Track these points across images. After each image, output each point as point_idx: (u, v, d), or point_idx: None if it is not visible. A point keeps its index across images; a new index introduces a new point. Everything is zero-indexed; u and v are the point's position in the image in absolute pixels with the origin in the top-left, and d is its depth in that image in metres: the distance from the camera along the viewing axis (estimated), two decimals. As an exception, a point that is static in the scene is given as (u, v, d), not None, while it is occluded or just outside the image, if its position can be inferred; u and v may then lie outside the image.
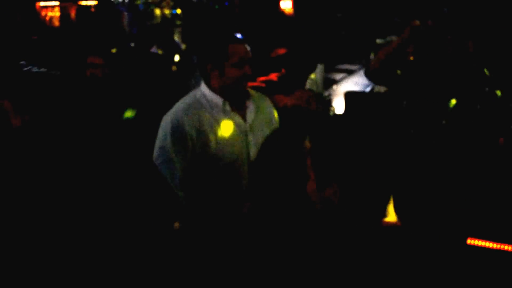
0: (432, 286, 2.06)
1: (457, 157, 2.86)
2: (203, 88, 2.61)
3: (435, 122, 2.91)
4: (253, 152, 2.63)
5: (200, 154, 2.52)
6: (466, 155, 2.87)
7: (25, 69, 1.57)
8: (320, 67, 2.75)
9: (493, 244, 2.66)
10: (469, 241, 2.68)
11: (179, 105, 2.60)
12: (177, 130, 2.53)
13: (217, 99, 2.58)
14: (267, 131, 2.67)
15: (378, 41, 5.58)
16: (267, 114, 2.74)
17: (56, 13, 11.10)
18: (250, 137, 2.63)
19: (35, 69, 1.58)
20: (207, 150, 2.52)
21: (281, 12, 10.17)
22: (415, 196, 2.67)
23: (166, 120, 2.56)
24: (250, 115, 2.66)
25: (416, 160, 2.82)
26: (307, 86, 3.63)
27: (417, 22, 3.08)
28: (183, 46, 6.78)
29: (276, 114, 2.78)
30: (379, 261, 1.39)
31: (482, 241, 2.65)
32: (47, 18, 10.99)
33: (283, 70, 3.63)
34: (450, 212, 2.74)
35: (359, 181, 1.24)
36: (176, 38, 6.84)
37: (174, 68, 5.71)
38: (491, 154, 2.90)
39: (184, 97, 2.64)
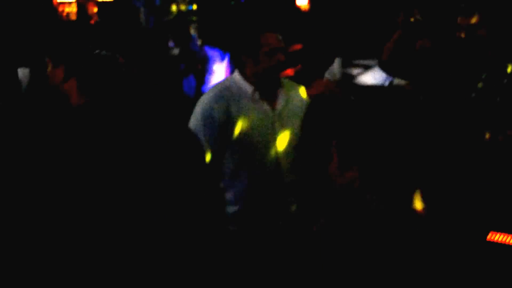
0: (451, 283, 2.03)
1: (477, 150, 2.82)
2: (236, 75, 2.77)
3: (454, 114, 2.87)
4: (279, 140, 2.72)
5: (228, 140, 2.66)
6: (485, 147, 2.83)
7: (95, 52, 1.70)
8: (338, 61, 2.74)
9: (513, 240, 2.62)
10: (489, 236, 2.64)
11: (210, 92, 2.79)
12: (207, 116, 2.70)
13: (247, 87, 2.73)
14: (296, 121, 2.77)
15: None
16: (297, 104, 2.81)
17: (73, 8, 11.15)
18: (278, 126, 2.75)
19: (103, 53, 1.71)
20: (234, 136, 2.68)
21: (297, 8, 10.12)
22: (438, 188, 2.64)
23: (198, 106, 2.78)
24: (279, 104, 2.79)
25: (437, 152, 2.79)
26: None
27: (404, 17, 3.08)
28: (199, 41, 6.78)
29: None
30: (394, 253, 1.37)
31: (503, 236, 2.61)
32: (64, 14, 11.06)
33: (299, 66, 3.63)
34: (470, 206, 2.70)
35: (381, 167, 1.23)
36: (192, 33, 6.85)
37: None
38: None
39: (217, 84, 2.79)
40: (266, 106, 2.75)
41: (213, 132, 2.67)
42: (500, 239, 2.59)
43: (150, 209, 1.68)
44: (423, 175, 2.46)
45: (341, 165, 1.27)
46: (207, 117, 2.68)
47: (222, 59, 6.21)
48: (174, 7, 11.25)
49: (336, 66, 3.92)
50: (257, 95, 2.74)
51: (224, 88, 2.77)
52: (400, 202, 1.39)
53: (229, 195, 2.72)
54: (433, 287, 1.63)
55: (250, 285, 2.83)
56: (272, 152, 2.73)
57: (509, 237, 2.61)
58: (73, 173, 1.63)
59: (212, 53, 6.23)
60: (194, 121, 2.73)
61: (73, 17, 10.69)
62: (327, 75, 3.73)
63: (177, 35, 6.43)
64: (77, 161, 1.63)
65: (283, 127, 2.76)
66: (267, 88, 2.77)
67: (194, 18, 9.32)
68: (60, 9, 10.97)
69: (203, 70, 6.12)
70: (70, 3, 10.86)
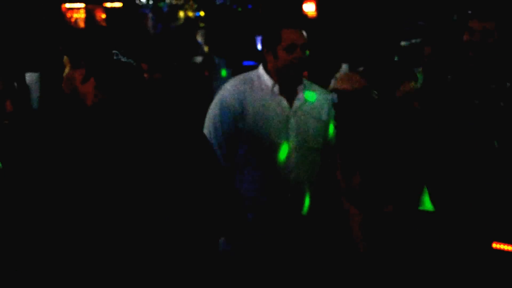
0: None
1: (483, 157, 2.81)
2: (260, 69, 2.83)
3: (461, 121, 2.86)
4: (292, 137, 2.74)
5: (243, 128, 2.69)
6: (491, 155, 2.81)
7: (116, 57, 1.75)
8: (344, 67, 2.75)
9: (519, 248, 2.60)
10: (494, 245, 2.63)
11: (232, 81, 2.86)
12: (224, 102, 2.76)
13: (268, 80, 2.79)
14: (311, 121, 2.78)
15: (403, 43, 5.54)
16: (316, 105, 2.83)
17: (82, 15, 11.25)
18: (292, 122, 2.78)
19: (123, 59, 1.76)
20: (249, 125, 2.71)
21: (304, 15, 10.16)
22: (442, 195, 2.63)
23: (218, 93, 2.82)
24: (297, 102, 2.81)
25: (443, 160, 2.79)
26: (331, 86, 3.63)
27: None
28: (205, 48, 6.81)
29: (328, 108, 2.85)
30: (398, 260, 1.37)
31: (508, 245, 2.60)
32: (73, 20, 11.15)
33: (305, 73, 3.64)
34: (475, 215, 2.69)
35: (384, 170, 1.23)
36: (199, 39, 6.88)
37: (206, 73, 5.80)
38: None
39: (240, 75, 2.91)
40: (283, 102, 2.79)
41: (228, 119, 2.75)
42: (504, 248, 2.58)
43: (158, 208, 1.71)
44: (428, 178, 2.46)
45: (345, 170, 1.28)
46: (224, 104, 2.77)
47: (229, 67, 6.24)
48: (181, 14, 11.32)
49: (343, 72, 3.93)
50: (276, 89, 2.78)
51: (245, 79, 2.86)
52: (407, 204, 1.39)
53: (240, 186, 2.76)
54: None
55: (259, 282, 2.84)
56: (283, 147, 2.77)
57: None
58: (82, 173, 1.66)
59: (219, 61, 6.25)
60: (212, 107, 2.83)
61: (81, 23, 10.77)
62: (333, 81, 3.74)
63: (184, 42, 6.47)
64: (87, 161, 1.66)
65: (297, 124, 2.80)
66: (288, 84, 2.81)
67: (202, 25, 9.38)
68: (69, 15, 11.07)
69: (210, 77, 6.15)
70: (78, 9, 10.96)
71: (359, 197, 1.31)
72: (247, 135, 2.75)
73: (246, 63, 7.40)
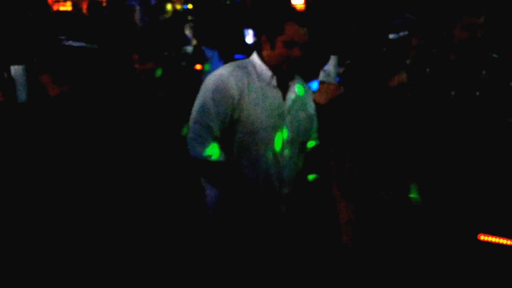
0: (443, 282, 2.05)
1: (464, 149, 2.83)
2: (254, 57, 2.76)
3: (438, 112, 2.88)
4: (286, 131, 2.74)
5: (237, 118, 2.65)
6: (472, 146, 2.84)
7: (65, 43, 1.70)
8: (333, 59, 2.75)
9: (505, 240, 2.64)
10: (481, 237, 2.66)
11: (225, 66, 2.74)
12: (220, 86, 2.65)
13: (266, 71, 2.73)
14: (302, 115, 2.79)
15: (391, 36, 5.55)
16: (304, 99, 2.83)
17: (68, 7, 11.12)
18: (287, 117, 2.75)
19: (74, 43, 1.71)
20: (244, 117, 2.66)
21: (293, 8, 10.12)
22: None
23: (210, 78, 2.69)
24: (289, 96, 2.79)
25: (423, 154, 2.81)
26: (320, 78, 3.64)
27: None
28: (194, 41, 6.78)
29: (313, 103, 2.84)
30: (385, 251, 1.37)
31: (493, 237, 2.62)
32: (59, 13, 11.01)
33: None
34: (461, 208, 2.71)
35: (374, 158, 1.24)
36: (187, 32, 6.85)
37: (198, 67, 5.76)
38: (498, 145, 2.86)
39: (232, 62, 2.78)
40: (279, 95, 2.78)
41: (226, 107, 2.68)
42: (489, 239, 2.61)
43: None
44: (417, 170, 2.48)
45: (336, 156, 1.29)
46: (220, 87, 2.66)
47: (220, 59, 6.22)
48: (169, 6, 11.23)
49: (331, 64, 3.92)
50: (274, 81, 2.76)
51: (240, 66, 2.79)
52: (397, 196, 1.40)
53: (241, 170, 2.74)
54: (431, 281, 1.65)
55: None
56: (277, 141, 2.76)
57: (499, 238, 2.63)
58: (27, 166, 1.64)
59: (211, 53, 6.23)
60: (204, 92, 2.69)
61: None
62: (322, 73, 3.74)
63: (172, 34, 6.44)
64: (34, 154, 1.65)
65: (291, 118, 2.79)
66: (283, 76, 2.79)
67: (190, 18, 9.32)
68: (55, 7, 10.94)
69: (202, 70, 6.12)
70: (65, 1, 10.83)
71: (351, 183, 1.32)
72: (242, 124, 2.71)
73: (237, 56, 7.39)
